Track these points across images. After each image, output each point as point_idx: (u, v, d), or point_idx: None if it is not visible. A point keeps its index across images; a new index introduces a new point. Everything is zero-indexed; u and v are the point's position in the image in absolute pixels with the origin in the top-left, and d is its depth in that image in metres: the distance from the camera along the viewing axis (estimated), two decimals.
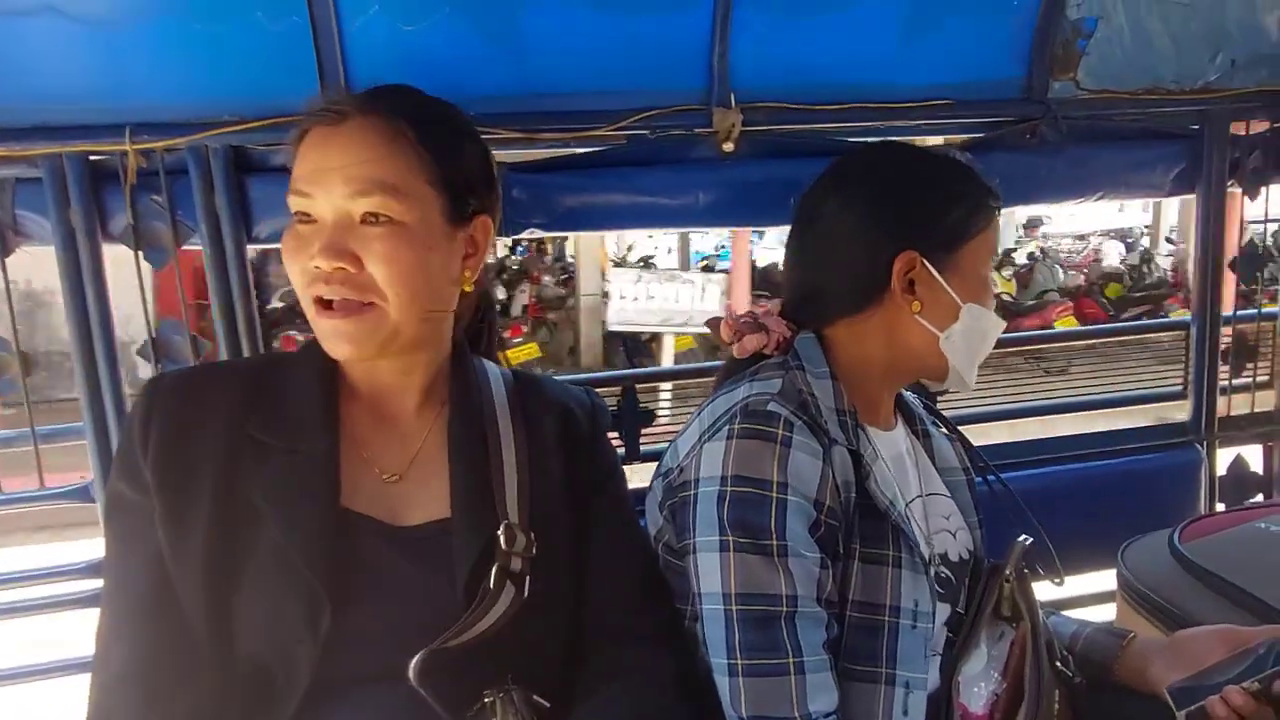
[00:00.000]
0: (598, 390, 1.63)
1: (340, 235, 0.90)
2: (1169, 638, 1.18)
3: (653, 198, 1.49)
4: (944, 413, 1.34)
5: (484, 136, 1.36)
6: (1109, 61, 1.59)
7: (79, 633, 1.08)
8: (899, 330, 1.11)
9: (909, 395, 1.29)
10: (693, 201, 1.50)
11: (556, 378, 1.19)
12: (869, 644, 1.02)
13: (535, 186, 1.43)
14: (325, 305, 0.91)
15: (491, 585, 0.91)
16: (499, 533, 0.93)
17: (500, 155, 1.45)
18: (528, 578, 0.94)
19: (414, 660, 0.86)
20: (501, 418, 1.02)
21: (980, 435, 1.38)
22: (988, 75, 1.57)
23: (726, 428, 1.01)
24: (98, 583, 1.30)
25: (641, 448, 1.60)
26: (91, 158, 1.26)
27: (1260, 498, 1.86)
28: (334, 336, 0.92)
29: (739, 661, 0.97)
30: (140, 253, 1.29)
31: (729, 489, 0.98)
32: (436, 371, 1.03)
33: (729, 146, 1.45)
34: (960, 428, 1.31)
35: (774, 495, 0.97)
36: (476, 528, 0.94)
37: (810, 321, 1.14)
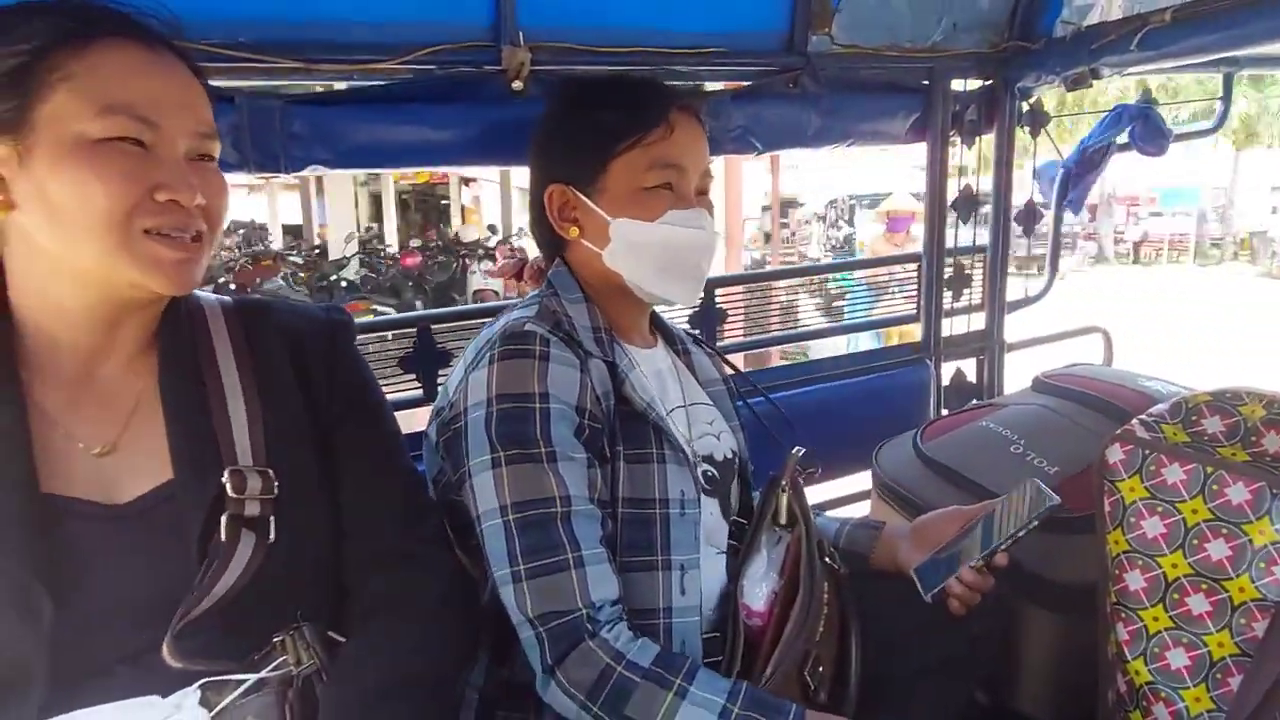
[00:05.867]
0: (395, 331, 1.60)
1: (191, 170, 0.85)
2: (911, 524, 1.34)
3: (443, 133, 1.46)
4: (721, 343, 1.44)
5: (258, 65, 1.27)
6: (857, 19, 1.74)
7: None
8: (570, 255, 1.21)
9: (665, 318, 1.37)
10: (484, 139, 1.49)
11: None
12: (643, 535, 1.09)
13: (317, 121, 1.36)
14: (168, 237, 0.83)
15: (224, 538, 0.85)
16: (224, 480, 0.87)
17: (275, 86, 1.36)
18: (272, 520, 0.88)
19: (164, 642, 0.80)
20: (222, 354, 0.94)
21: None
22: (756, 26, 1.67)
23: (488, 354, 1.05)
24: None
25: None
26: None
27: (974, 401, 2.17)
28: (181, 268, 0.85)
29: (521, 567, 0.99)
30: None
31: (495, 408, 1.02)
32: (151, 320, 0.92)
33: (518, 85, 1.44)
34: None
35: (537, 405, 1.02)
36: (201, 482, 0.87)
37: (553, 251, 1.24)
